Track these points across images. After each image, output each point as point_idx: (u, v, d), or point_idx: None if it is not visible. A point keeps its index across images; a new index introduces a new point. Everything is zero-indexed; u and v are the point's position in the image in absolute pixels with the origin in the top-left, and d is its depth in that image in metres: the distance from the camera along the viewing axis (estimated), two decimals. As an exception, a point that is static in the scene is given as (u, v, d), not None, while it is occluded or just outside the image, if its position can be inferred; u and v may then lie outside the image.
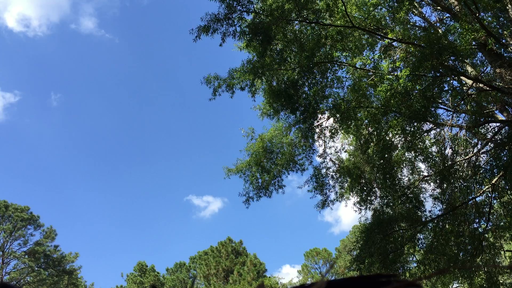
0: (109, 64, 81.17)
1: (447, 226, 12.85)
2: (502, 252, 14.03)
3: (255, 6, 11.81)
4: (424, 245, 13.58)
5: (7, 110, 67.45)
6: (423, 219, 12.75)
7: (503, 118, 11.60)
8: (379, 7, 11.23)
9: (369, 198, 13.78)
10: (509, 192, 12.25)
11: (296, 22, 11.44)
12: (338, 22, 10.82)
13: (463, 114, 12.10)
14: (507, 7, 10.20)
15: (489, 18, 9.83)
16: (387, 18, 11.29)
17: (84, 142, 75.66)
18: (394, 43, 10.76)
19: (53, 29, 71.62)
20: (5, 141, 65.82)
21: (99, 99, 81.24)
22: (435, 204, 12.92)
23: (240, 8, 11.66)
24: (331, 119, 12.65)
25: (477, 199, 12.39)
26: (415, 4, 11.85)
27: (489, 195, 12.14)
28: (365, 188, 13.82)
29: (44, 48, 72.91)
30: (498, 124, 11.63)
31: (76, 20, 74.28)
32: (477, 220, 12.98)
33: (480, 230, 12.85)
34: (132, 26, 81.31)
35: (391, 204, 13.39)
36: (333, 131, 12.73)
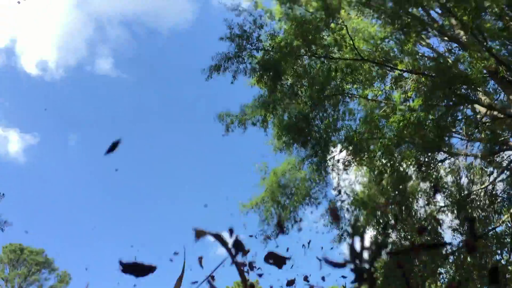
0: (124, 102, 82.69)
1: (468, 259, 12.44)
2: (528, 285, 13.47)
3: (264, 44, 12.06)
4: (446, 280, 13.09)
5: (27, 151, 68.69)
6: (444, 252, 12.35)
7: (519, 146, 11.45)
8: (387, 39, 11.41)
9: (385, 231, 13.43)
10: (530, 221, 11.92)
11: (306, 57, 11.62)
12: (347, 56, 10.96)
13: (478, 143, 11.98)
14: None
15: (497, 47, 9.93)
16: (395, 49, 11.45)
17: (101, 182, 75.66)
18: (405, 74, 10.82)
19: (70, 71, 73.69)
20: (26, 182, 66.23)
21: (115, 137, 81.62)
22: (454, 235, 12.57)
23: (250, 47, 11.92)
24: (344, 152, 12.57)
25: (497, 229, 12.08)
26: (422, 36, 12.03)
27: (509, 224, 11.84)
28: (381, 221, 13.50)
29: (61, 91, 74.77)
30: (513, 151, 11.49)
31: (92, 62, 76.70)
32: (499, 252, 12.57)
33: (503, 262, 12.41)
34: (147, 65, 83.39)
35: (408, 237, 13.03)
36: (346, 163, 12.60)
